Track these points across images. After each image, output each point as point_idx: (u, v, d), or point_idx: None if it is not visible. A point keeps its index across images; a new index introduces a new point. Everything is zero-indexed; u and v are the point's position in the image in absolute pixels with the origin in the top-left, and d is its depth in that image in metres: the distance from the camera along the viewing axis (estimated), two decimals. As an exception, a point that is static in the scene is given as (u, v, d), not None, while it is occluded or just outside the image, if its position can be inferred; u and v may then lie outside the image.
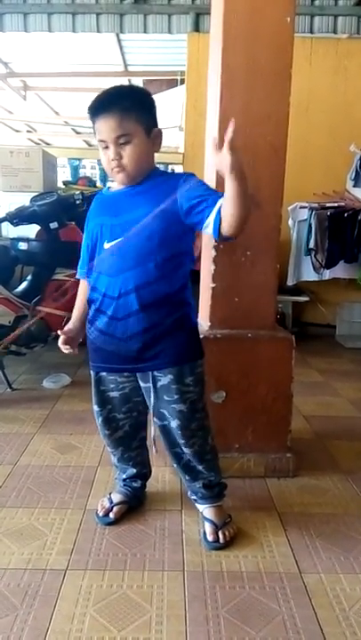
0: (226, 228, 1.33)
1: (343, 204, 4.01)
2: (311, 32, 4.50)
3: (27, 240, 3.04)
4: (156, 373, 1.52)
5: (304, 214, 4.02)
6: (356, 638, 1.26)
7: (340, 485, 1.96)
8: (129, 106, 1.37)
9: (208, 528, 1.61)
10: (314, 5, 4.49)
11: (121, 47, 5.50)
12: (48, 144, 10.20)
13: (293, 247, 4.11)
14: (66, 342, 1.63)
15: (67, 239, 3.03)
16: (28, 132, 10.23)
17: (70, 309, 3.01)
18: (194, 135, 4.23)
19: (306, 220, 3.99)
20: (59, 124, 9.85)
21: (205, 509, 1.65)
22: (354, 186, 4.18)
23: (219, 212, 1.32)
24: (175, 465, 1.66)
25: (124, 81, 6.93)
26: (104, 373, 1.63)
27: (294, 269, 4.12)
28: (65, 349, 1.64)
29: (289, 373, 1.97)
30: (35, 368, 3.29)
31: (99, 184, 5.25)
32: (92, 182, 4.66)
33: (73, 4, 4.52)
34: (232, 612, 1.33)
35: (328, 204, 4.01)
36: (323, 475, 2.02)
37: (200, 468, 1.62)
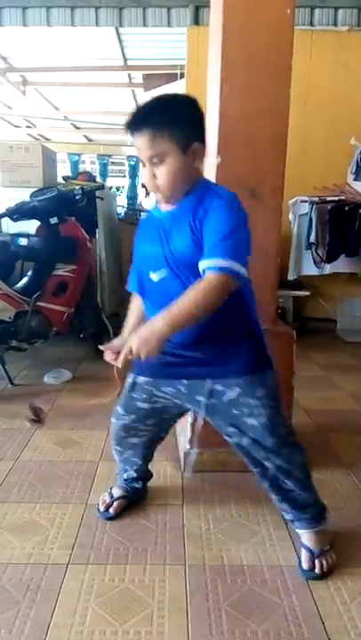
0: None
1: (344, 197, 3.99)
2: (312, 25, 4.48)
3: (27, 235, 3.03)
4: (218, 387, 1.41)
5: (305, 208, 4.00)
6: (358, 631, 1.27)
7: (341, 478, 1.96)
8: (162, 122, 1.26)
9: (304, 555, 1.49)
10: (314, -3, 4.47)
11: (120, 41, 5.48)
12: (48, 139, 10.20)
13: (294, 241, 4.10)
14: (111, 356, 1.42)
15: (67, 234, 3.03)
16: (27, 127, 10.19)
17: (70, 305, 3.06)
18: (194, 129, 4.20)
19: (306, 214, 3.98)
20: (58, 118, 9.81)
21: (303, 534, 1.51)
22: (355, 179, 4.16)
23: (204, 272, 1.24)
24: (262, 482, 1.51)
25: (123, 76, 6.91)
26: (142, 380, 1.53)
27: (295, 264, 4.11)
28: (113, 362, 1.43)
29: (290, 368, 1.96)
30: (36, 363, 3.29)
31: (98, 179, 5.24)
32: (91, 177, 4.65)
33: (72, -3, 4.50)
34: (233, 605, 1.34)
35: (329, 198, 3.99)
36: (324, 468, 2.02)
37: (289, 484, 1.46)
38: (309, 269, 4.07)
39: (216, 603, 1.34)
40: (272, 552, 1.55)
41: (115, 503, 1.71)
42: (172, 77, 5.76)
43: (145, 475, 1.78)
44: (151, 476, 1.82)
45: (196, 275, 1.26)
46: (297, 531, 1.53)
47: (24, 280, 3.05)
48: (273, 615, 1.31)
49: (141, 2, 4.50)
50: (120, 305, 4.31)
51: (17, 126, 10.09)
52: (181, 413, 1.65)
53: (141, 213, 4.72)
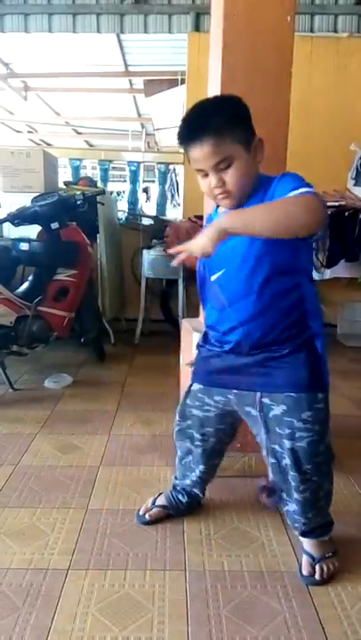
0: None
1: (344, 203, 4.00)
2: (312, 31, 4.51)
3: (28, 240, 3.04)
4: (266, 400, 1.36)
5: (305, 213, 4.01)
6: (358, 637, 1.26)
7: (341, 484, 1.96)
8: (222, 125, 1.21)
9: (304, 561, 1.47)
10: (314, 4, 4.50)
11: (121, 47, 5.52)
12: (49, 144, 10.23)
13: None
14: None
15: (68, 239, 3.04)
16: (29, 132, 10.25)
17: (71, 309, 3.06)
18: (194, 135, 4.22)
19: (307, 219, 3.98)
20: (59, 124, 9.86)
21: (305, 541, 1.50)
22: (355, 185, 4.18)
23: None
24: (279, 503, 1.51)
25: (124, 82, 6.94)
26: (196, 387, 1.53)
27: (295, 269, 4.11)
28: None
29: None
30: (36, 368, 3.29)
31: (99, 184, 5.25)
32: (92, 182, 4.66)
33: (73, 4, 4.53)
34: (234, 611, 1.33)
35: (329, 203, 4.00)
36: (324, 474, 2.02)
37: (309, 514, 1.44)
38: (310, 274, 4.07)
39: (216, 608, 1.34)
40: (272, 557, 1.54)
41: (154, 510, 1.68)
42: (172, 83, 5.79)
43: (195, 489, 1.68)
44: (198, 500, 1.73)
45: (258, 266, 1.24)
46: (300, 537, 1.53)
47: (25, 285, 3.05)
48: (273, 621, 1.30)
49: (142, 8, 4.53)
50: (121, 309, 4.32)
51: (18, 131, 10.15)
52: (236, 424, 1.59)
53: (142, 218, 4.73)
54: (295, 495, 1.42)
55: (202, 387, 1.52)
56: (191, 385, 1.56)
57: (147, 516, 1.68)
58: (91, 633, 1.26)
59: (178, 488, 1.70)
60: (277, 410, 1.36)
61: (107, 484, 1.93)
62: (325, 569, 1.46)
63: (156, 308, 4.31)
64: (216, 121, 1.21)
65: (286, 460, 1.39)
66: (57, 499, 1.83)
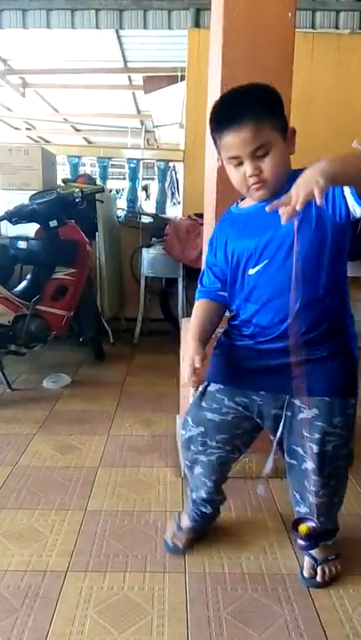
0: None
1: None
2: (313, 27, 4.49)
3: (26, 239, 3.02)
4: (297, 402, 1.31)
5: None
6: (360, 641, 1.25)
7: (342, 485, 1.95)
8: (261, 110, 1.16)
9: (306, 562, 1.45)
10: (316, 1, 4.47)
11: (120, 43, 5.48)
12: (47, 141, 10.20)
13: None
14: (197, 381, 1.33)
15: (66, 237, 3.02)
16: (27, 129, 10.20)
17: (70, 308, 3.05)
18: (194, 132, 4.19)
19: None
20: (58, 121, 9.82)
21: None
22: (356, 182, 4.16)
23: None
24: (293, 502, 1.46)
25: (123, 78, 6.91)
26: (214, 388, 1.41)
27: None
28: (194, 386, 1.35)
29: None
30: (34, 368, 3.27)
31: (98, 182, 5.23)
32: (91, 180, 4.63)
33: (72, 0, 4.49)
34: (234, 614, 1.32)
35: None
36: (325, 474, 2.01)
37: (321, 518, 1.39)
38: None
39: (216, 611, 1.33)
40: (273, 560, 1.53)
41: (182, 535, 1.55)
42: (172, 79, 5.76)
43: (215, 497, 1.56)
44: (222, 500, 1.61)
45: (304, 257, 1.17)
46: None
47: (23, 284, 3.04)
48: (274, 624, 1.29)
49: (142, 4, 4.50)
50: (120, 308, 4.30)
51: (17, 128, 10.10)
52: (254, 430, 1.47)
53: (142, 216, 4.71)
54: (311, 499, 1.37)
55: (222, 387, 1.40)
56: (207, 385, 1.43)
57: (179, 544, 1.54)
58: (90, 636, 1.25)
59: (197, 501, 1.56)
60: (308, 413, 1.30)
61: (106, 485, 1.92)
62: (327, 571, 1.44)
63: (155, 307, 4.29)
64: (256, 106, 1.17)
65: (309, 464, 1.34)
66: (55, 500, 1.82)
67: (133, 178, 5.14)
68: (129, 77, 6.90)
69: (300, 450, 1.35)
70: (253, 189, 1.22)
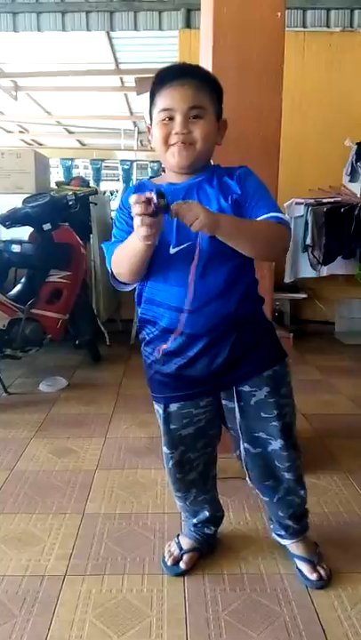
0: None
1: (339, 199, 3.99)
2: (304, 26, 4.49)
3: (20, 242, 3.02)
4: (247, 388, 1.30)
5: (300, 210, 4.00)
6: (359, 638, 1.25)
7: (340, 484, 1.95)
8: (207, 79, 1.22)
9: (305, 567, 1.43)
10: (306, -1, 4.47)
11: (112, 45, 5.48)
12: (40, 144, 10.19)
13: (290, 244, 4.09)
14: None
15: (60, 241, 3.02)
16: (20, 132, 10.19)
17: (65, 311, 3.04)
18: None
19: (302, 216, 3.97)
20: (51, 123, 9.81)
21: (292, 545, 1.47)
22: (350, 181, 4.17)
23: None
24: (267, 500, 1.45)
25: (115, 80, 6.91)
26: (175, 407, 1.35)
27: (291, 266, 4.10)
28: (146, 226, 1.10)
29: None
30: (30, 371, 3.27)
31: (92, 184, 5.23)
32: (85, 182, 4.63)
33: (62, 2, 4.50)
34: (233, 614, 1.32)
35: (324, 200, 3.99)
36: (323, 473, 2.01)
37: (300, 492, 1.41)
38: (306, 272, 4.06)
39: (215, 612, 1.33)
40: (271, 560, 1.53)
41: (185, 557, 1.48)
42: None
43: (217, 513, 1.55)
44: (222, 518, 1.58)
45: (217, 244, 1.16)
46: (283, 542, 1.49)
47: (17, 287, 3.03)
48: (273, 624, 1.29)
49: (132, 6, 4.50)
50: (116, 310, 4.30)
51: (9, 132, 10.09)
52: (222, 424, 1.43)
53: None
54: (287, 476, 1.37)
55: (183, 403, 1.35)
56: (166, 407, 1.36)
57: (182, 565, 1.47)
58: (88, 639, 1.24)
59: (199, 524, 1.53)
60: (260, 394, 1.30)
61: (103, 488, 1.91)
62: (326, 568, 1.44)
63: (151, 308, 4.28)
64: (201, 75, 1.23)
65: (275, 444, 1.33)
66: (53, 504, 1.81)
67: (127, 179, 5.15)
68: (121, 79, 6.90)
69: (262, 434, 1.34)
70: (178, 149, 1.18)
